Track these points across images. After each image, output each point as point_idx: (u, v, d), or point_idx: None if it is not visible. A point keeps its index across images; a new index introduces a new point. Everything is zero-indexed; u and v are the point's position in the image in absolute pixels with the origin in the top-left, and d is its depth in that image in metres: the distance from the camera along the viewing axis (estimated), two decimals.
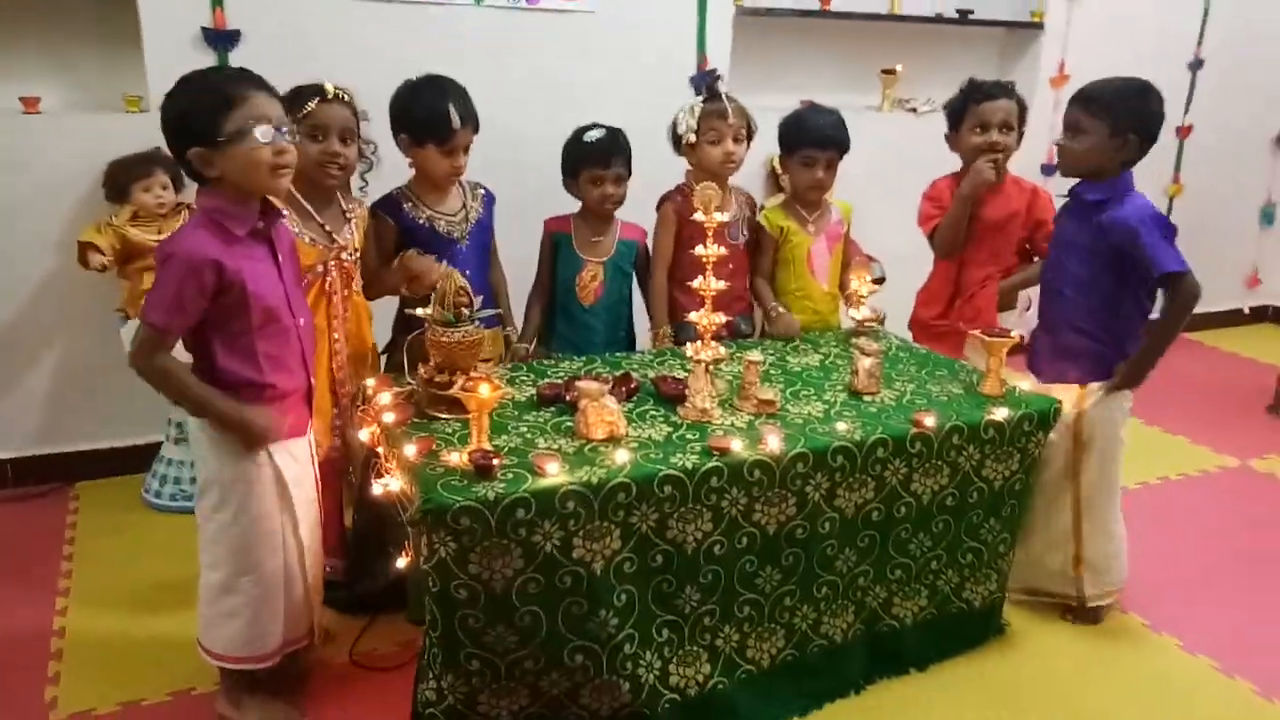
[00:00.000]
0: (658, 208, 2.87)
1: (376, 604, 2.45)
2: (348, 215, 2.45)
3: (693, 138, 2.76)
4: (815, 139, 2.82)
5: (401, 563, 2.00)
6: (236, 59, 3.11)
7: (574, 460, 1.92)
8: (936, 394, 2.37)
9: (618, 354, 2.67)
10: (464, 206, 2.64)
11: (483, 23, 3.44)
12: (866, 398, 2.32)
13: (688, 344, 2.27)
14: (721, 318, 2.23)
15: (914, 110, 4.36)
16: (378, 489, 1.98)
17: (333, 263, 2.39)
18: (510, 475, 1.85)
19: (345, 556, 2.51)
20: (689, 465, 1.94)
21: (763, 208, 2.98)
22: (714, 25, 3.81)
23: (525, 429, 2.08)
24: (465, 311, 2.11)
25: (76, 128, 3.04)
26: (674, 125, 2.81)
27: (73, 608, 2.57)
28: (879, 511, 2.19)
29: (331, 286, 2.39)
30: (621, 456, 1.94)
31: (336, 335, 2.42)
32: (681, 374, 2.34)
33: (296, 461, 2.03)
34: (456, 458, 1.88)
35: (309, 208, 2.38)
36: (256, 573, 1.99)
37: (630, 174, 2.79)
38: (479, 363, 2.17)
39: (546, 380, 2.33)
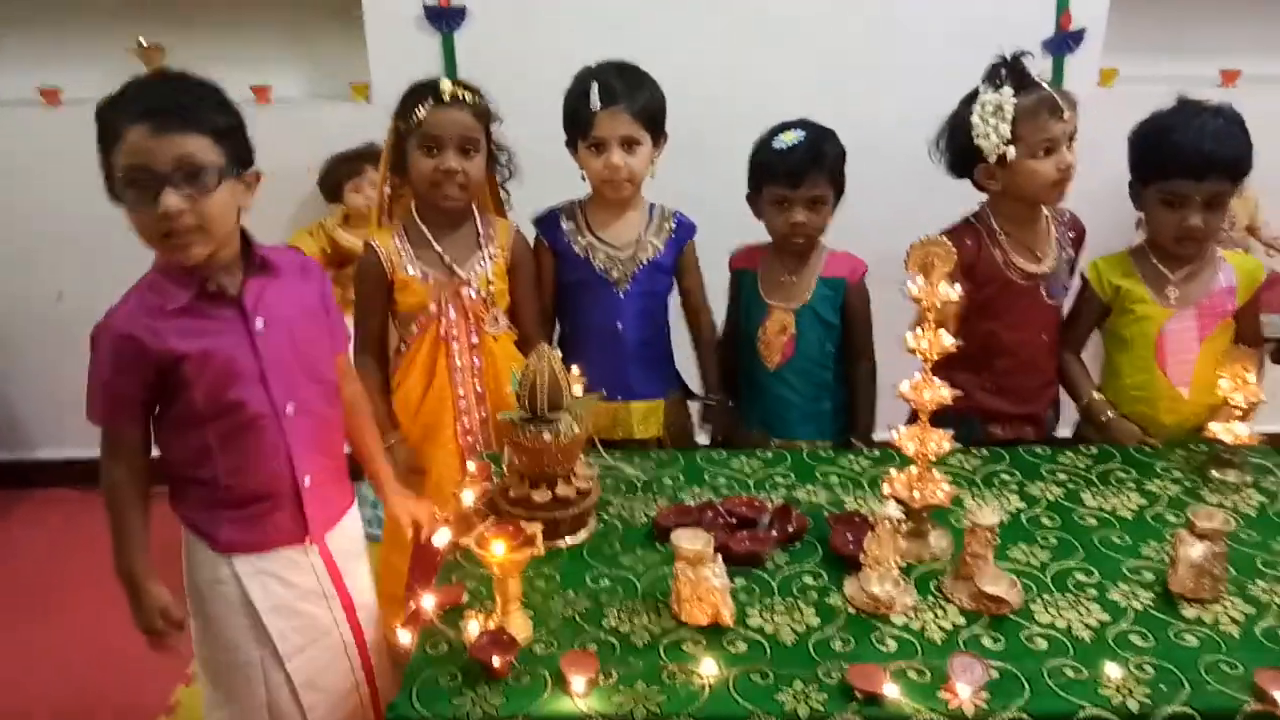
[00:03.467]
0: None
1: None
2: (481, 241, 1.94)
3: (1010, 151, 1.84)
4: (1188, 162, 1.79)
5: None
6: (463, 41, 2.72)
7: (629, 664, 1.26)
8: None
9: (820, 447, 1.91)
10: (638, 240, 2.01)
11: None
12: (1189, 608, 1.37)
13: (892, 478, 1.49)
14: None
15: None
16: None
17: (451, 303, 1.90)
18: (525, 679, 1.24)
19: None
20: (805, 713, 1.19)
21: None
22: None
23: (608, 582, 1.45)
24: (558, 401, 1.51)
25: (303, 119, 2.85)
26: (957, 132, 1.91)
27: None
28: None
29: (449, 331, 1.91)
30: (707, 669, 1.24)
31: (462, 393, 1.95)
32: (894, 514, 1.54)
33: (285, 582, 1.54)
34: (475, 629, 1.30)
35: (427, 234, 1.91)
36: (232, 707, 1.57)
37: (839, 196, 1.97)
38: (575, 470, 1.57)
39: (675, 503, 1.66)
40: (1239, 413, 1.71)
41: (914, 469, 1.49)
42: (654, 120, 1.95)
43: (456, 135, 1.83)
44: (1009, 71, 1.87)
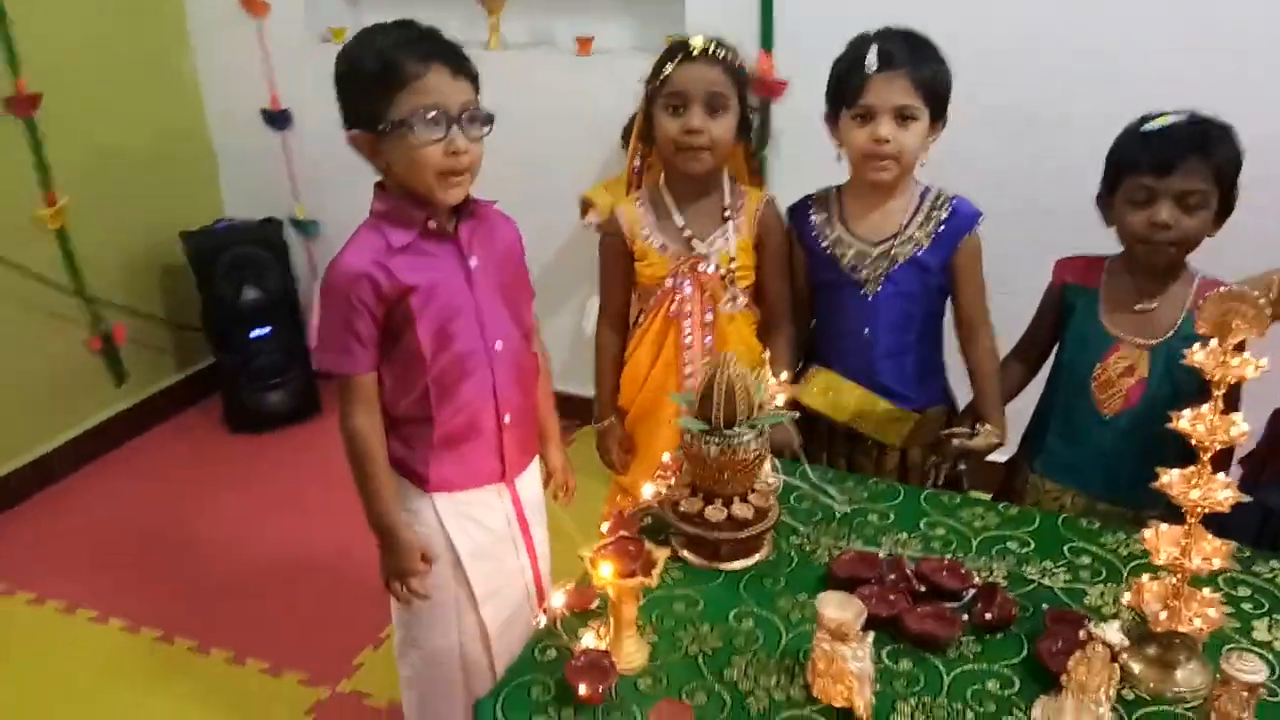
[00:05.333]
0: None
1: None
2: (728, 214, 1.78)
3: None
4: None
5: None
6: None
7: None
8: None
9: (1112, 515, 1.56)
10: (900, 231, 1.73)
11: None
12: None
13: (1141, 585, 1.15)
14: None
15: None
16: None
17: (686, 278, 1.78)
18: (614, 715, 1.12)
19: None
20: None
21: None
22: None
23: (751, 624, 1.27)
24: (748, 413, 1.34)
25: (622, 70, 2.82)
26: None
27: None
28: None
29: (681, 308, 1.79)
30: None
31: (689, 373, 1.83)
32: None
33: (482, 526, 1.56)
34: (588, 643, 1.20)
35: (669, 203, 1.79)
36: (421, 650, 1.61)
37: (1225, 208, 1.55)
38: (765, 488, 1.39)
39: (869, 549, 1.41)
40: None
41: (1172, 579, 1.15)
42: (936, 94, 1.66)
43: (703, 92, 1.68)
44: None
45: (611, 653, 1.17)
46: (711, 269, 1.79)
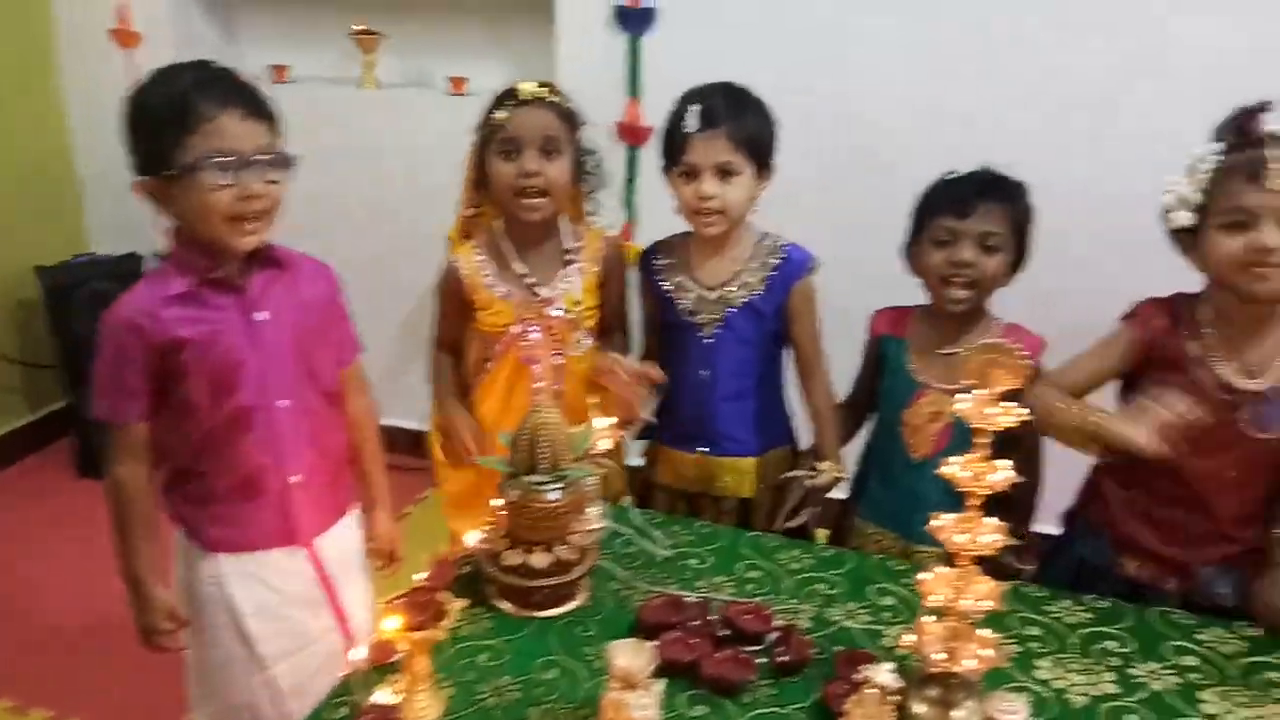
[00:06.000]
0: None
1: None
2: (568, 256, 1.81)
3: (1185, 218, 1.46)
4: None
5: None
6: (652, 45, 2.60)
7: None
8: None
9: (919, 554, 1.61)
10: (735, 277, 1.78)
11: None
12: None
13: (922, 627, 1.19)
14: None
15: None
16: None
17: (534, 323, 1.79)
18: None
19: None
20: None
21: None
22: None
23: (556, 674, 1.27)
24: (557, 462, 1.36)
25: None
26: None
27: None
28: None
29: (530, 354, 1.80)
30: None
31: None
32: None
33: (270, 587, 1.52)
34: (380, 699, 1.19)
35: (508, 250, 1.81)
36: (214, 704, 1.58)
37: (1020, 255, 1.65)
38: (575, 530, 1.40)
39: (667, 591, 1.43)
40: None
41: (950, 621, 1.19)
42: (758, 148, 1.72)
43: (538, 135, 1.71)
44: (1232, 122, 1.45)
45: (404, 708, 1.16)
46: (559, 312, 1.81)
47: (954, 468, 1.15)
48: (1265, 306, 1.46)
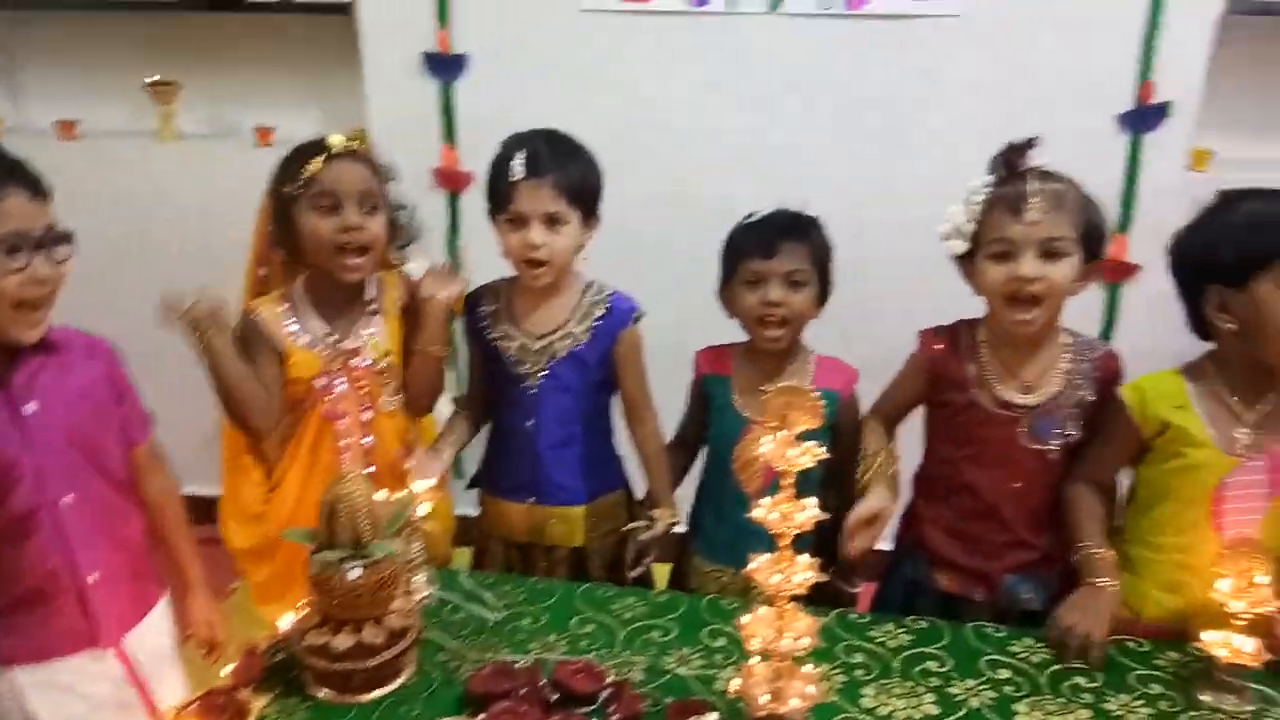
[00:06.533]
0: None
1: None
2: (373, 306, 1.76)
3: (960, 247, 1.56)
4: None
5: None
6: (464, 90, 2.57)
7: None
8: None
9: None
10: (561, 326, 1.77)
11: (777, 37, 2.45)
12: None
13: (749, 669, 1.19)
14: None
15: None
16: None
17: (339, 375, 1.72)
18: None
19: None
20: None
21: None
22: (1178, 30, 2.33)
23: None
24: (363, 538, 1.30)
25: None
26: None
27: None
28: None
29: (335, 408, 1.73)
30: None
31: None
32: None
33: (75, 694, 1.40)
34: None
35: (307, 307, 1.74)
36: None
37: (824, 290, 1.72)
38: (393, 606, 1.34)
39: (497, 659, 1.39)
40: (1242, 623, 1.32)
41: (774, 661, 1.20)
42: (584, 197, 1.72)
43: (356, 190, 1.65)
44: (1001, 157, 1.55)
45: None
46: (366, 362, 1.75)
47: (762, 510, 1.16)
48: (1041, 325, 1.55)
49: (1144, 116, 2.38)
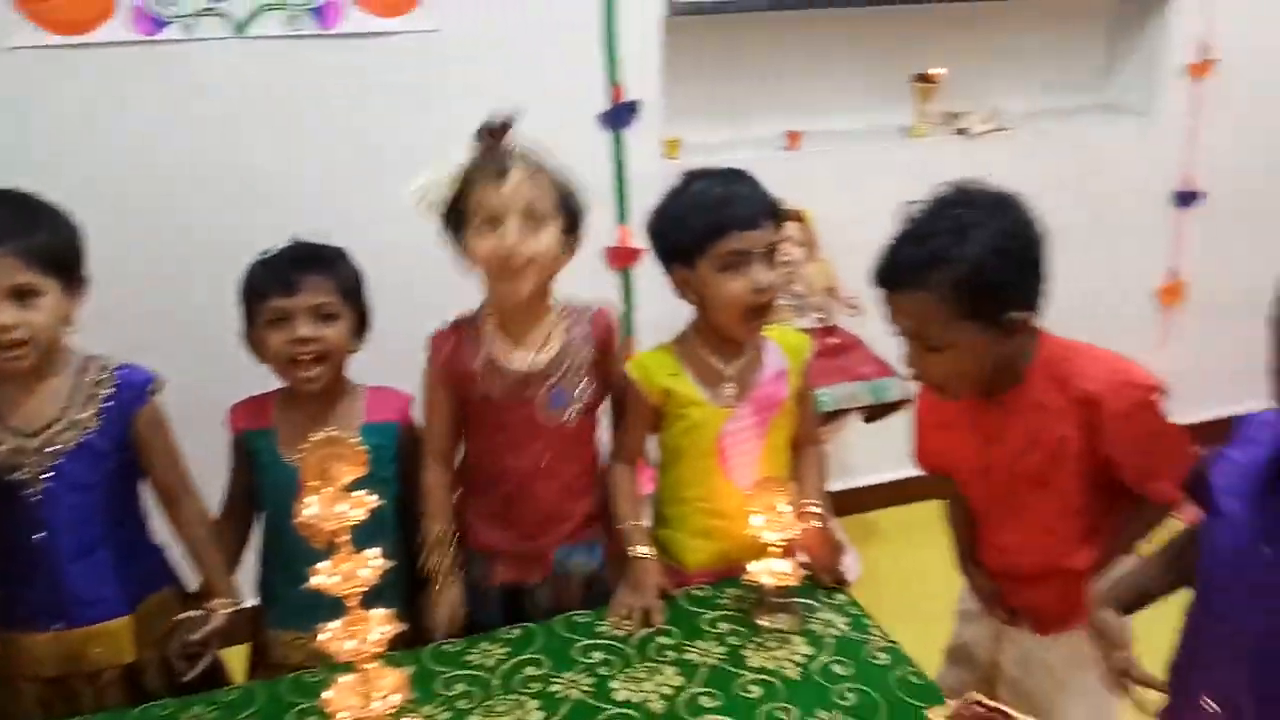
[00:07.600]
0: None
1: None
2: None
3: (433, 207, 1.58)
4: (738, 215, 1.53)
5: None
6: None
7: None
8: None
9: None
10: (60, 417, 1.51)
11: (242, 63, 2.28)
12: None
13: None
14: None
15: (963, 131, 3.01)
16: None
17: None
18: None
19: None
20: None
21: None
22: (632, 35, 2.57)
23: None
24: None
25: None
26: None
27: None
28: None
29: None
30: None
31: None
32: None
33: None
34: None
35: None
36: None
37: (360, 310, 1.66)
38: None
39: None
40: (777, 550, 1.50)
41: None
42: (59, 262, 1.48)
43: None
44: (483, 132, 1.60)
45: None
46: None
47: (322, 576, 1.08)
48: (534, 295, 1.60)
49: (619, 115, 2.60)
